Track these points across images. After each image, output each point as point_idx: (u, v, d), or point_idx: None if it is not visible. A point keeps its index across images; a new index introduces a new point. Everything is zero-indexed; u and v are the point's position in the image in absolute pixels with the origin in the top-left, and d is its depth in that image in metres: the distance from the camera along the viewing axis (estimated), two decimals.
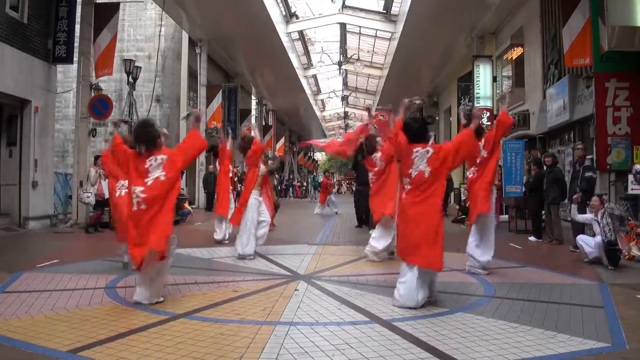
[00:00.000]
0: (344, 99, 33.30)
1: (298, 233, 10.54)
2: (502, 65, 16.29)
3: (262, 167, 7.25)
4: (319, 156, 63.13)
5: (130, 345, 3.35)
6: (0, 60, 9.85)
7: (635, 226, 7.46)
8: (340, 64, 24.90)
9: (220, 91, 20.44)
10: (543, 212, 9.44)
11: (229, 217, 8.09)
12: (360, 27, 21.65)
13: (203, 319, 4.00)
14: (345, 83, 31.31)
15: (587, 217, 6.93)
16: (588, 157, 8.79)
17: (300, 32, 22.81)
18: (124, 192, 5.59)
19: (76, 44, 11.96)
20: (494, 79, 16.21)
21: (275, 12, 18.56)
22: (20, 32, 10.56)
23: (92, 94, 12.92)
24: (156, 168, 4.49)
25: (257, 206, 7.10)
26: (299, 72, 25.59)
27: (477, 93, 16.20)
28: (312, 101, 32.08)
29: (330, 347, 3.38)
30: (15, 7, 10.48)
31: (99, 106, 12.43)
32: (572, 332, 3.72)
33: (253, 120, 27.69)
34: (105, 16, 12.53)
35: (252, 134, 7.58)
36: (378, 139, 7.00)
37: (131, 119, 14.12)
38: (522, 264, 6.76)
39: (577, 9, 10.05)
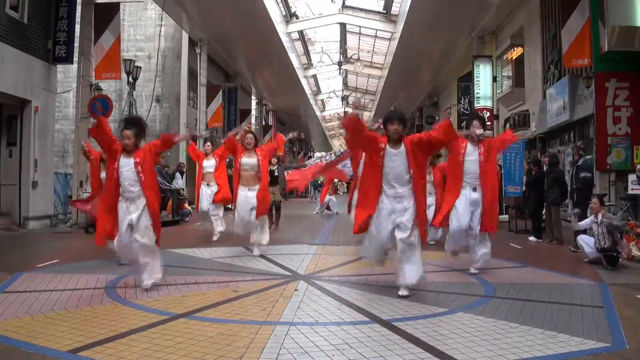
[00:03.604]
0: (344, 99, 33.27)
1: (298, 233, 10.54)
2: (502, 65, 16.28)
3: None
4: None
5: (130, 345, 3.34)
6: (0, 60, 9.85)
7: (635, 226, 7.46)
8: (340, 64, 24.89)
9: (220, 91, 20.42)
10: (543, 212, 9.44)
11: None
12: (360, 27, 21.64)
13: (203, 319, 4.00)
14: (345, 83, 31.29)
15: (587, 222, 6.92)
16: (587, 157, 8.79)
17: (300, 32, 22.80)
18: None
19: (76, 44, 11.96)
20: (494, 79, 16.21)
21: (275, 12, 18.55)
22: (20, 32, 10.56)
23: (92, 94, 12.92)
24: None
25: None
26: (299, 72, 25.57)
27: (477, 93, 16.20)
28: (312, 101, 32.06)
29: (330, 347, 3.37)
30: (15, 7, 10.49)
31: (99, 106, 12.41)
32: (572, 332, 3.71)
33: (253, 120, 27.67)
34: (105, 16, 12.49)
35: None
36: None
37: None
38: (522, 264, 6.75)
39: (576, 10, 10.05)
